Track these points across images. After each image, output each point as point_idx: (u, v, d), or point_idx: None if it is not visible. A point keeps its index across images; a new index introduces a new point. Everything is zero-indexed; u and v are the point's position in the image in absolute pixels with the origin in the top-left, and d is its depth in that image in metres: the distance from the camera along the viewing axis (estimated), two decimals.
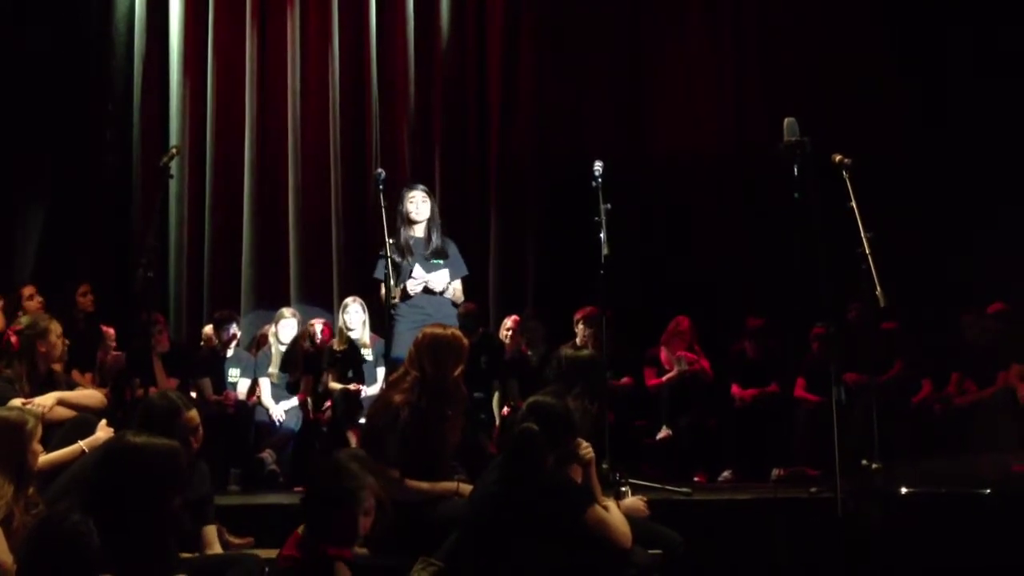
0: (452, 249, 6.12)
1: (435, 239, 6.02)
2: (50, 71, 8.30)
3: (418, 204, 6.00)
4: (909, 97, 8.08)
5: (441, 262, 5.99)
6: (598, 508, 3.71)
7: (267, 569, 3.69)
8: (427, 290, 5.89)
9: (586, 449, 3.98)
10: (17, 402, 4.50)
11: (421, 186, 6.18)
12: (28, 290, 6.73)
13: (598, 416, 5.39)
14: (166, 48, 8.90)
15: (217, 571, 3.75)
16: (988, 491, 4.90)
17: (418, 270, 5.88)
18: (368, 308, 7.15)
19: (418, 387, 4.35)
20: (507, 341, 7.49)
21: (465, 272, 6.19)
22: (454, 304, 6.09)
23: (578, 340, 6.92)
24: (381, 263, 5.86)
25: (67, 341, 5.11)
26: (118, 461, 3.09)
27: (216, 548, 4.05)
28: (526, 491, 3.60)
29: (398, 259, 5.87)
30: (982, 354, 6.74)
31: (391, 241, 5.72)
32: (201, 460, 4.11)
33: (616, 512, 3.83)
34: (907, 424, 6.44)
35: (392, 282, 5.65)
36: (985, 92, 7.71)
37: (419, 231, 6.02)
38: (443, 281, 5.91)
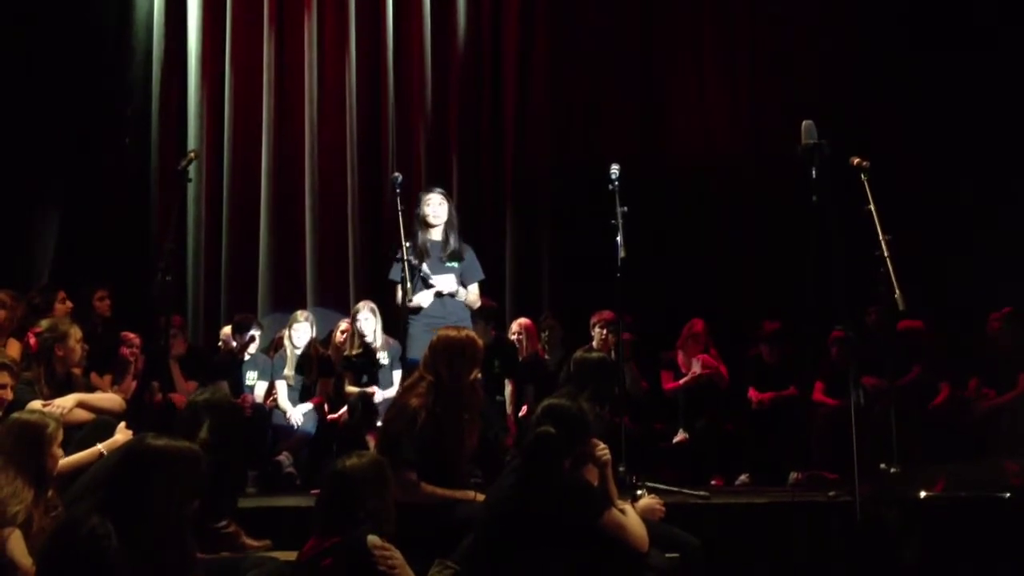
0: (469, 253, 6.11)
1: (452, 242, 6.01)
2: (68, 75, 8.35)
3: (435, 207, 5.99)
4: (927, 96, 8.06)
5: (455, 265, 5.98)
6: (615, 511, 3.70)
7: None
8: (437, 294, 5.89)
9: (603, 450, 3.97)
10: (37, 404, 4.52)
11: (439, 189, 6.18)
12: (61, 295, 6.75)
13: (611, 419, 5.39)
14: (184, 52, 8.94)
15: (235, 573, 3.76)
16: (1008, 495, 4.87)
17: (425, 271, 5.87)
18: (381, 311, 7.15)
19: (434, 391, 4.35)
20: (518, 344, 7.46)
21: (481, 276, 6.18)
22: (469, 308, 6.08)
23: (594, 343, 6.92)
24: (396, 265, 5.88)
25: (87, 346, 5.13)
26: (138, 463, 3.10)
27: None
28: (543, 494, 3.60)
29: (415, 262, 5.88)
30: (1003, 357, 6.70)
31: (407, 244, 5.74)
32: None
33: (633, 515, 3.82)
34: (926, 428, 6.40)
35: (408, 284, 5.66)
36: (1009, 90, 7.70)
37: (436, 234, 6.02)
38: (450, 284, 5.89)
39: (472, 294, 6.05)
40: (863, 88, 8.38)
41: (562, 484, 3.64)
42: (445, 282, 5.88)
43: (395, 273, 5.96)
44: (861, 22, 8.54)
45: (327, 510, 3.41)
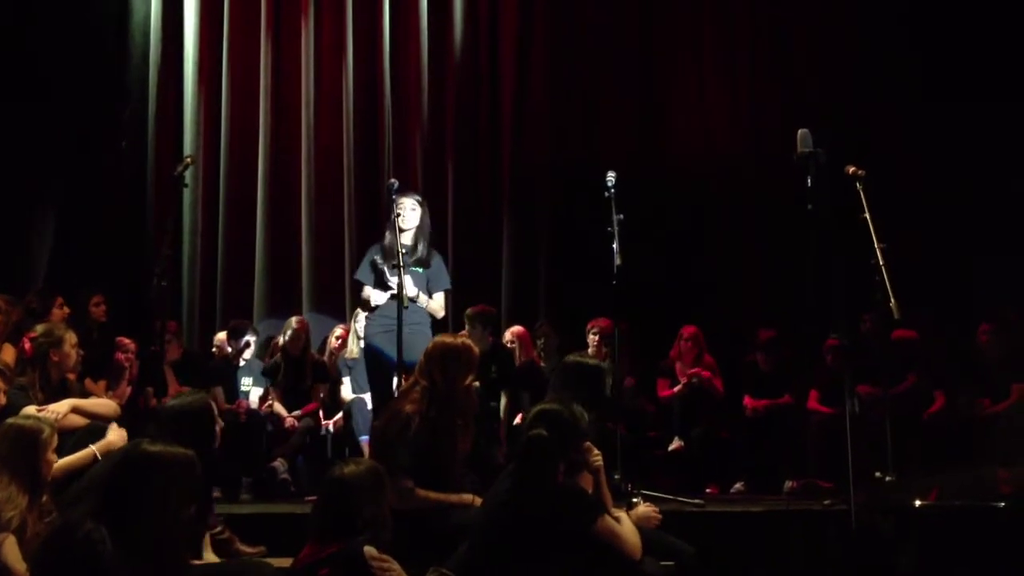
0: (436, 261, 6.12)
1: (420, 249, 6.03)
2: (65, 80, 8.35)
3: (407, 212, 6.01)
4: (927, 96, 8.09)
5: (420, 271, 5.99)
6: (608, 518, 3.70)
7: None
8: (395, 296, 5.87)
9: (596, 456, 3.97)
10: (31, 409, 4.51)
11: (413, 194, 6.19)
12: (58, 300, 6.74)
13: (604, 425, 5.38)
14: (181, 57, 8.93)
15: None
16: (1002, 504, 4.87)
17: (386, 274, 5.88)
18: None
19: (428, 396, 4.35)
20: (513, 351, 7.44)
21: (447, 286, 6.17)
22: (431, 315, 6.08)
23: (590, 350, 6.91)
24: (365, 266, 5.95)
25: (82, 352, 5.11)
26: (134, 469, 3.10)
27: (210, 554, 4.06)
28: (536, 496, 3.60)
29: (380, 263, 5.90)
30: (996, 366, 6.70)
31: (404, 251, 5.72)
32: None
33: (627, 523, 3.83)
34: (922, 436, 6.40)
35: (405, 291, 5.63)
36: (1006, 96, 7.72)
37: (406, 239, 6.03)
38: (408, 289, 5.88)
39: (436, 302, 6.05)
40: (863, 89, 8.39)
41: (555, 488, 3.64)
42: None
43: (362, 274, 6.02)
44: (861, 22, 8.56)
45: (324, 517, 3.40)
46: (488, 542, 3.67)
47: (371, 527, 3.32)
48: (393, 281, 5.81)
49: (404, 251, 5.78)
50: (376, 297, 5.96)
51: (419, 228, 6.06)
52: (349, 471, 3.41)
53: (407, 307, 5.60)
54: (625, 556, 3.68)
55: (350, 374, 7.22)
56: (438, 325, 6.28)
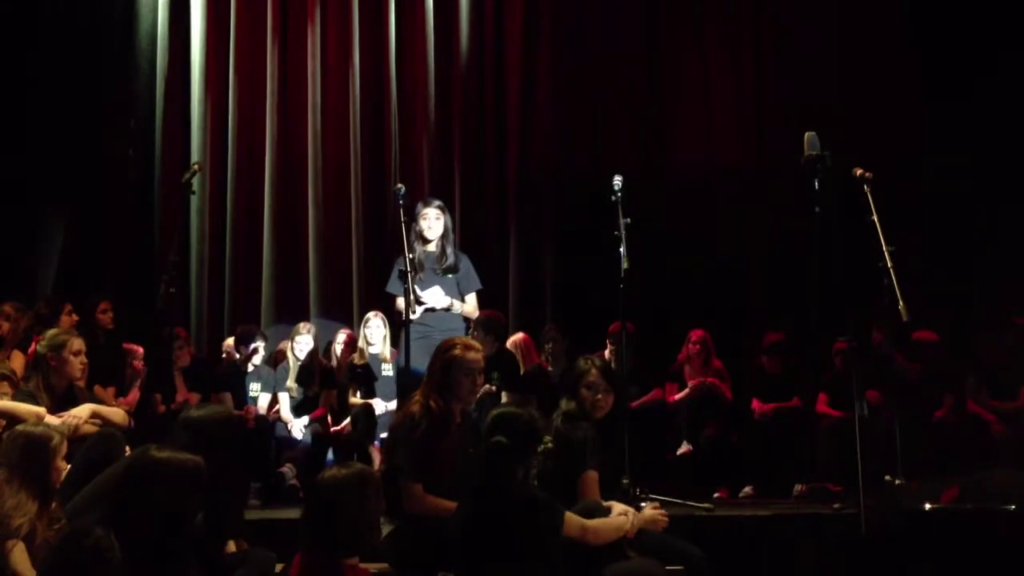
0: (464, 263, 6.15)
1: (448, 255, 6.04)
2: (72, 88, 8.38)
3: (431, 222, 6.03)
4: (929, 106, 8.07)
5: (450, 277, 6.00)
6: (571, 515, 3.70)
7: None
8: (429, 309, 5.88)
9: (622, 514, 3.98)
10: (52, 418, 4.50)
11: (436, 202, 6.21)
12: (67, 307, 6.75)
13: (613, 431, 5.36)
14: (188, 65, 8.96)
15: (228, 568, 3.75)
16: (1013, 507, 4.86)
17: (416, 290, 5.87)
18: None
19: (423, 394, 4.32)
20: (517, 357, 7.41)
21: (479, 286, 6.21)
22: (466, 319, 6.10)
23: (607, 355, 6.90)
24: (395, 277, 5.92)
25: (85, 360, 5.05)
26: (141, 476, 3.10)
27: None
28: (497, 504, 3.57)
29: (410, 274, 5.90)
30: (1003, 369, 6.68)
31: (410, 256, 5.74)
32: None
33: (609, 522, 3.85)
34: (930, 439, 6.37)
35: (412, 296, 5.65)
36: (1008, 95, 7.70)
37: (432, 247, 6.05)
38: (439, 299, 5.88)
39: (469, 305, 6.08)
40: (870, 93, 8.38)
41: (514, 494, 3.61)
42: (433, 297, 5.89)
43: (393, 286, 6.00)
44: (868, 28, 8.55)
45: (306, 524, 3.36)
46: (465, 545, 3.61)
47: (353, 532, 3.25)
48: (424, 295, 5.82)
49: (420, 257, 5.79)
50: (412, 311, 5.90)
51: (443, 235, 6.08)
52: (330, 475, 3.32)
53: (414, 312, 5.61)
54: (590, 546, 3.73)
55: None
56: None
